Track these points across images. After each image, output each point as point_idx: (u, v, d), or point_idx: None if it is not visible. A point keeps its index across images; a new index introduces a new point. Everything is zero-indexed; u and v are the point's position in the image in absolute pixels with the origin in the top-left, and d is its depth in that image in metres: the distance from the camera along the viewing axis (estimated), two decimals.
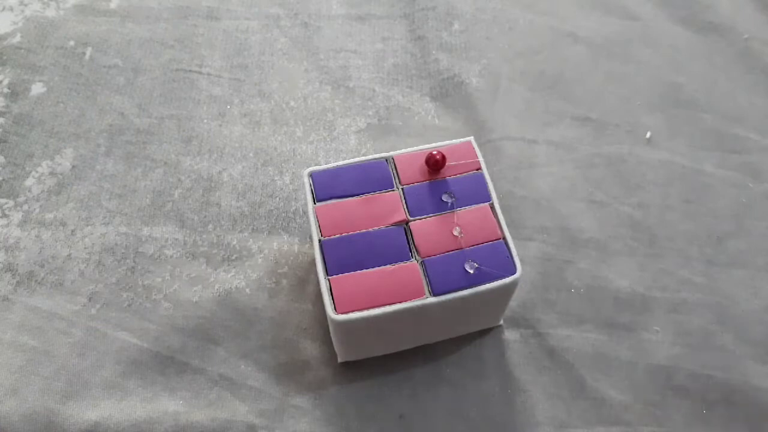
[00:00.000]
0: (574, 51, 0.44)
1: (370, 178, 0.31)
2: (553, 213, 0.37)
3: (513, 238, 0.30)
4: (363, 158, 0.32)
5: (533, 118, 0.41)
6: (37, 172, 0.38)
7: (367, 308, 0.27)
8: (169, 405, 0.31)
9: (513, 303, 0.34)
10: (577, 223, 0.37)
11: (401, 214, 0.30)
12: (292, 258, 0.35)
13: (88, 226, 0.36)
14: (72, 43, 0.43)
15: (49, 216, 0.36)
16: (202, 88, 0.42)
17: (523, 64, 0.43)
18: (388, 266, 0.28)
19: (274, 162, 0.39)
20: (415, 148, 0.32)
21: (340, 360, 0.32)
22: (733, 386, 0.32)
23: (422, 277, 0.28)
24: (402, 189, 0.31)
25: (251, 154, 0.39)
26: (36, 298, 0.34)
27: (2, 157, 0.38)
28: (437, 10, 0.45)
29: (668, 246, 0.36)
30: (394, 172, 0.31)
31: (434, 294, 0.28)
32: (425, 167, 0.31)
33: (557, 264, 0.35)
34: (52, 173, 0.38)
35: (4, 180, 0.38)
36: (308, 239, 0.36)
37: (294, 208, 0.37)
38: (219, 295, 0.34)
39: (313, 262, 0.35)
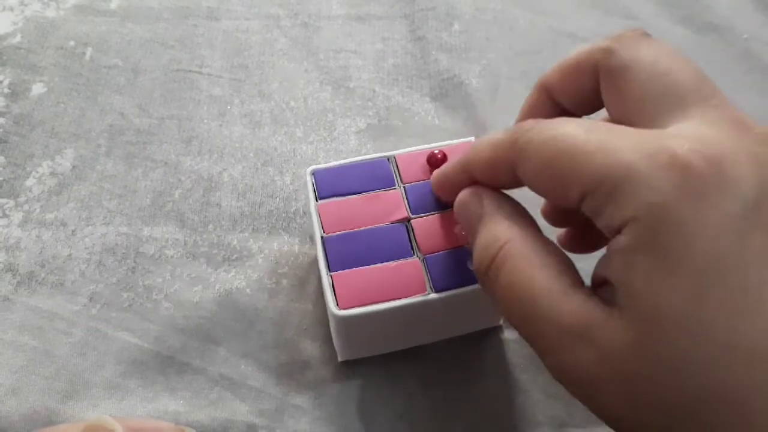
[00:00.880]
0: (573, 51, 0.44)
1: (372, 177, 0.31)
2: None
3: None
4: (365, 157, 0.32)
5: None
6: (37, 172, 0.38)
7: (369, 304, 0.27)
8: (170, 405, 0.31)
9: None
10: None
11: (403, 212, 0.30)
12: (292, 258, 0.35)
13: (88, 226, 0.36)
14: (72, 43, 0.43)
15: (50, 216, 0.36)
16: (203, 89, 0.42)
17: (523, 64, 0.43)
18: (390, 263, 0.28)
19: (275, 162, 0.39)
20: (417, 147, 0.32)
21: (340, 359, 0.32)
22: None
23: (424, 273, 0.28)
24: (404, 187, 0.31)
25: (251, 155, 0.39)
26: (36, 298, 0.34)
27: (2, 158, 0.38)
28: (437, 10, 0.46)
29: None
30: (396, 170, 0.31)
31: (436, 290, 0.28)
32: (426, 166, 0.31)
33: None
34: (52, 173, 0.38)
35: (4, 180, 0.38)
36: (308, 239, 0.36)
37: (294, 208, 0.37)
38: (219, 296, 0.34)
39: (313, 263, 0.35)
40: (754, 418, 0.17)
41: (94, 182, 0.38)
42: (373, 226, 0.29)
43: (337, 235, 0.29)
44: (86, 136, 0.39)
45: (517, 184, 0.24)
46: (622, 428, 0.20)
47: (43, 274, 0.35)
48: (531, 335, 0.22)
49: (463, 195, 0.26)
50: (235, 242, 0.36)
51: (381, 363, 0.32)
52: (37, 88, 0.41)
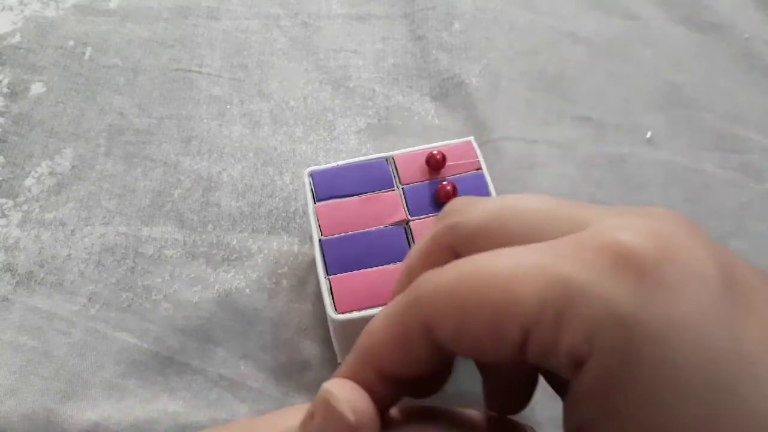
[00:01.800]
0: (574, 51, 0.44)
1: (370, 178, 0.31)
2: None
3: None
4: (363, 158, 0.32)
5: (533, 118, 0.41)
6: (36, 172, 0.38)
7: (367, 308, 0.27)
8: (169, 405, 0.31)
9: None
10: None
11: (401, 214, 0.30)
12: (291, 258, 0.35)
13: (87, 226, 0.36)
14: (72, 42, 0.43)
15: (49, 216, 0.36)
16: (202, 88, 0.42)
17: (523, 64, 0.43)
18: (389, 265, 0.28)
19: (274, 162, 0.39)
20: (416, 147, 0.32)
21: (339, 360, 0.32)
22: None
23: None
24: (402, 189, 0.31)
25: (251, 154, 0.39)
26: (35, 298, 0.34)
27: (2, 157, 0.38)
28: (437, 10, 0.45)
29: None
30: (395, 171, 0.31)
31: None
32: (425, 167, 0.31)
33: None
34: (51, 173, 0.38)
35: (3, 180, 0.38)
36: (308, 239, 0.36)
37: (294, 208, 0.37)
38: (219, 296, 0.34)
39: (312, 262, 0.35)
40: None
41: (94, 182, 0.38)
42: (371, 229, 0.29)
43: (334, 238, 0.29)
44: (85, 136, 0.39)
45: (438, 356, 0.18)
46: None
47: (42, 274, 0.35)
48: None
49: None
50: (234, 242, 0.36)
51: None
52: (37, 88, 0.41)
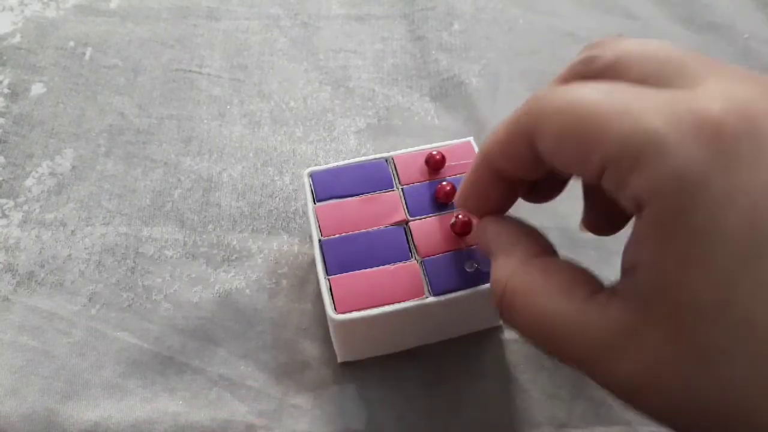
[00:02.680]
0: (573, 51, 0.44)
1: (370, 178, 0.31)
2: (553, 213, 0.37)
3: None
4: (363, 158, 0.32)
5: None
6: (37, 172, 0.38)
7: (367, 308, 0.27)
8: (169, 405, 0.31)
9: None
10: (576, 223, 0.37)
11: (401, 214, 0.30)
12: (291, 258, 0.35)
13: (88, 226, 0.36)
14: (72, 43, 0.43)
15: (49, 216, 0.36)
16: (202, 89, 0.42)
17: (522, 64, 0.43)
18: (388, 266, 0.28)
19: (274, 162, 0.39)
20: (415, 148, 0.32)
21: (339, 360, 0.32)
22: None
23: (422, 276, 0.28)
24: (402, 189, 0.31)
25: (251, 155, 0.39)
26: (36, 299, 0.34)
27: (2, 158, 0.38)
28: (437, 10, 0.45)
29: None
30: (394, 172, 0.31)
31: (434, 294, 0.28)
32: (425, 167, 0.31)
33: None
34: (52, 173, 0.38)
35: (4, 180, 0.38)
36: (308, 239, 0.36)
37: (294, 208, 0.37)
38: (219, 296, 0.34)
39: (312, 262, 0.35)
40: None
41: (94, 182, 0.38)
42: (371, 229, 0.29)
43: (334, 238, 0.29)
44: (86, 136, 0.39)
45: (540, 164, 0.21)
46: (677, 429, 0.19)
47: (42, 275, 0.35)
48: (565, 360, 0.21)
49: (480, 225, 0.25)
50: (234, 242, 0.36)
51: (380, 364, 0.32)
52: (37, 88, 0.41)
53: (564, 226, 0.37)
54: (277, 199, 0.37)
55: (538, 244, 0.23)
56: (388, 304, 0.27)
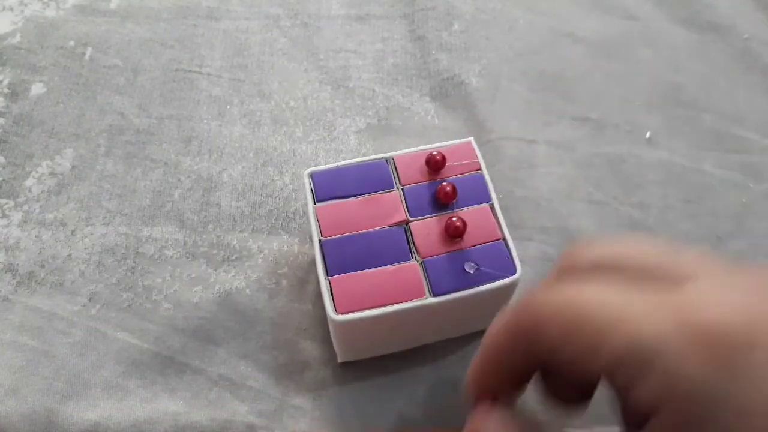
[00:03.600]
0: (573, 51, 0.44)
1: (370, 179, 0.31)
2: (553, 213, 0.37)
3: (512, 238, 0.30)
4: (363, 158, 0.32)
5: (533, 118, 0.41)
6: (37, 172, 0.38)
7: (367, 308, 0.27)
8: (169, 405, 0.31)
9: (513, 303, 0.34)
10: (576, 223, 0.37)
11: (401, 215, 0.30)
12: (291, 258, 0.35)
13: (88, 226, 0.36)
14: (72, 43, 0.43)
15: (50, 216, 0.36)
16: (202, 89, 0.42)
17: (522, 64, 0.43)
18: (389, 266, 0.28)
19: (274, 162, 0.39)
20: (416, 148, 0.32)
21: (339, 360, 0.32)
22: None
23: (422, 277, 0.28)
24: (402, 189, 0.31)
25: (251, 155, 0.39)
26: (36, 299, 0.34)
27: (2, 158, 0.38)
28: (437, 10, 0.45)
29: None
30: (394, 172, 0.31)
31: (434, 294, 0.28)
32: (425, 167, 0.31)
33: None
34: (52, 173, 0.38)
35: (4, 180, 0.38)
36: (308, 239, 0.36)
37: (294, 208, 0.37)
38: (219, 296, 0.34)
39: (313, 262, 0.35)
40: None
41: (94, 182, 0.38)
42: (371, 230, 0.29)
43: (335, 239, 0.29)
44: (86, 136, 0.39)
45: (534, 365, 0.22)
46: None
47: (42, 274, 0.35)
48: None
49: (476, 422, 0.24)
50: (234, 242, 0.36)
51: (381, 364, 0.32)
52: (37, 88, 0.41)
53: (563, 226, 0.37)
54: (277, 199, 0.37)
55: None
56: (389, 304, 0.27)
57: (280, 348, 0.33)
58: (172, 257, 0.35)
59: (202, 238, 0.36)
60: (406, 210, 0.30)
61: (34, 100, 0.41)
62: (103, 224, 0.36)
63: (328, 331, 0.32)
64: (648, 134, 0.40)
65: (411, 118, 0.41)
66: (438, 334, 0.32)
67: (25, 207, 0.37)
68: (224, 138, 0.40)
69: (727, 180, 0.39)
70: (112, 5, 0.45)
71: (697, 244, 0.36)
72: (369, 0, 0.47)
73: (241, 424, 0.30)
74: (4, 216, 0.36)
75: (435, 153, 0.31)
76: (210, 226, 0.36)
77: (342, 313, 0.27)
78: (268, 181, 0.38)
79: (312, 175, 0.31)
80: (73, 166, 0.38)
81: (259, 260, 0.35)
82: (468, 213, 0.30)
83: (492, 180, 0.31)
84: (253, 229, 0.36)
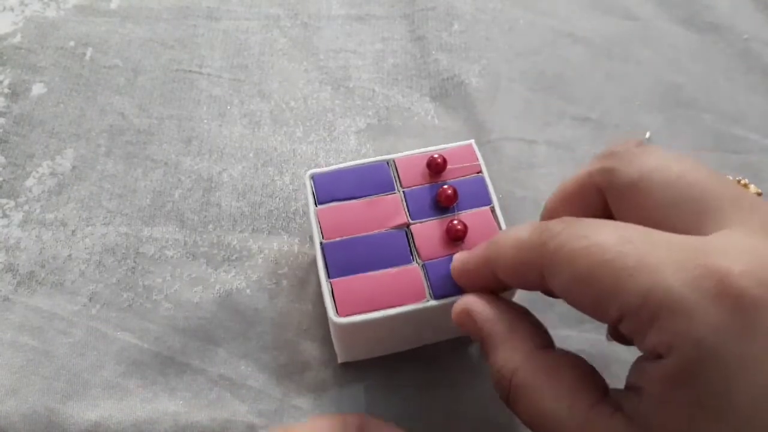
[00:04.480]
0: (573, 51, 0.44)
1: (371, 181, 0.31)
2: None
3: None
4: (364, 161, 0.32)
5: (533, 119, 0.41)
6: (37, 172, 0.38)
7: (369, 311, 0.27)
8: (170, 405, 0.31)
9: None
10: None
11: (402, 217, 0.30)
12: (292, 258, 0.35)
13: (88, 226, 0.36)
14: (72, 43, 0.43)
15: (50, 216, 0.36)
16: (202, 89, 0.42)
17: (522, 64, 0.43)
18: (390, 269, 0.28)
19: (274, 162, 0.39)
20: (416, 150, 0.32)
21: (340, 361, 0.32)
22: None
23: (423, 280, 0.28)
24: (403, 192, 0.31)
25: (251, 155, 0.39)
26: (36, 298, 0.34)
27: (3, 158, 0.38)
28: (437, 10, 0.45)
29: None
30: (395, 174, 0.31)
31: (435, 297, 0.28)
32: (426, 170, 0.31)
33: None
34: (52, 173, 0.38)
35: (4, 180, 0.38)
36: (308, 239, 0.36)
37: (294, 208, 0.37)
38: (219, 296, 0.34)
39: (313, 263, 0.35)
40: None
41: (94, 182, 0.38)
42: (372, 232, 0.29)
43: (336, 241, 0.29)
44: (86, 136, 0.39)
45: (545, 288, 0.22)
46: None
47: (43, 274, 0.35)
48: None
49: (471, 304, 0.25)
50: (235, 242, 0.36)
51: (381, 364, 0.32)
52: (38, 88, 0.41)
53: None
54: (277, 199, 0.37)
55: (539, 336, 0.23)
56: (390, 307, 0.27)
57: (281, 348, 0.33)
58: (172, 257, 0.35)
59: (203, 238, 0.36)
60: (407, 213, 0.30)
61: (35, 100, 0.41)
62: (104, 224, 0.36)
63: (329, 332, 0.32)
64: (648, 134, 0.40)
65: (411, 118, 0.41)
66: (438, 335, 0.32)
67: (26, 207, 0.37)
68: (224, 138, 0.40)
69: None
70: (113, 5, 0.45)
71: None
72: (369, 0, 0.47)
73: (242, 424, 0.30)
74: (5, 216, 0.36)
75: (436, 156, 0.31)
76: (210, 226, 0.36)
77: (343, 316, 0.27)
78: (269, 181, 0.38)
79: (313, 177, 0.31)
80: (74, 166, 0.38)
81: (260, 260, 0.35)
82: (469, 216, 0.30)
83: (492, 180, 0.31)
84: (253, 229, 0.36)
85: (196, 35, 0.44)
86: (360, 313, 0.27)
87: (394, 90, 0.42)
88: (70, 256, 0.35)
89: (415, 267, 0.28)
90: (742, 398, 0.16)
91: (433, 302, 0.28)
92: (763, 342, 0.16)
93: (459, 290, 0.28)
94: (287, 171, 0.38)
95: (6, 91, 0.41)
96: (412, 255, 0.29)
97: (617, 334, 0.25)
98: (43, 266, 0.35)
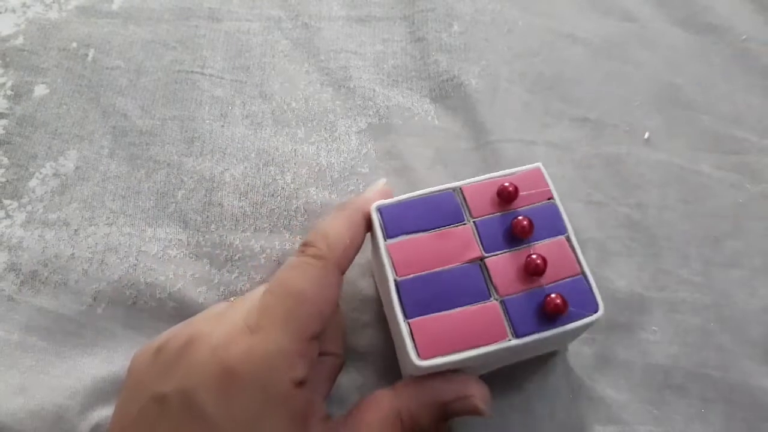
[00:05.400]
0: (572, 52, 0.44)
1: (438, 211, 0.29)
2: None
3: None
4: (429, 190, 0.30)
5: (532, 120, 0.41)
6: (40, 173, 0.38)
7: (450, 353, 0.26)
8: None
9: None
10: (575, 224, 0.37)
11: (476, 251, 0.29)
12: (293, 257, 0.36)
13: (91, 226, 0.36)
14: (74, 44, 0.43)
15: (53, 216, 0.37)
16: (204, 90, 0.42)
17: (521, 65, 0.44)
18: (468, 307, 0.27)
19: (276, 162, 0.39)
20: (482, 177, 0.30)
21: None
22: (731, 385, 0.33)
23: (503, 317, 0.27)
24: (474, 222, 0.29)
25: (253, 155, 0.39)
26: (41, 298, 0.34)
27: (6, 159, 0.39)
28: (437, 11, 0.46)
29: (666, 246, 0.37)
30: (463, 203, 0.30)
31: (517, 336, 0.27)
32: (495, 198, 0.30)
33: None
34: (55, 174, 0.38)
35: (8, 181, 0.38)
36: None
37: (295, 206, 0.37)
38: (223, 297, 0.34)
39: None
40: None
41: (98, 183, 0.38)
42: (445, 267, 0.28)
43: (410, 278, 0.28)
44: (89, 138, 0.40)
45: None
46: None
47: (46, 274, 0.35)
48: None
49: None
50: (237, 242, 0.36)
51: (381, 365, 0.32)
52: (40, 90, 0.41)
53: None
54: (279, 198, 0.38)
55: None
56: (472, 348, 0.26)
57: None
58: (175, 257, 0.36)
59: (205, 238, 0.36)
60: (480, 245, 0.29)
61: (38, 102, 0.41)
62: (107, 224, 0.37)
63: None
64: (647, 135, 0.41)
65: (411, 119, 0.41)
66: (511, 362, 0.32)
67: (29, 207, 0.37)
68: (226, 138, 0.40)
69: (725, 181, 0.39)
70: (114, 7, 0.46)
71: (695, 245, 0.37)
72: (369, 1, 0.47)
73: None
74: (8, 216, 0.37)
75: (507, 184, 0.29)
76: (213, 226, 0.37)
77: (425, 359, 0.26)
78: (270, 180, 0.38)
79: (380, 210, 0.30)
80: (77, 167, 0.38)
81: (262, 260, 0.35)
82: (545, 246, 0.29)
83: None
84: (255, 228, 0.37)
85: (198, 36, 0.44)
86: (442, 355, 0.26)
87: (394, 91, 0.42)
88: (72, 255, 0.35)
89: (494, 304, 0.27)
90: None
91: (515, 341, 0.27)
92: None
93: (541, 328, 0.27)
94: (289, 170, 0.39)
95: (9, 92, 0.41)
96: (488, 290, 0.28)
97: None
98: (45, 265, 0.35)
